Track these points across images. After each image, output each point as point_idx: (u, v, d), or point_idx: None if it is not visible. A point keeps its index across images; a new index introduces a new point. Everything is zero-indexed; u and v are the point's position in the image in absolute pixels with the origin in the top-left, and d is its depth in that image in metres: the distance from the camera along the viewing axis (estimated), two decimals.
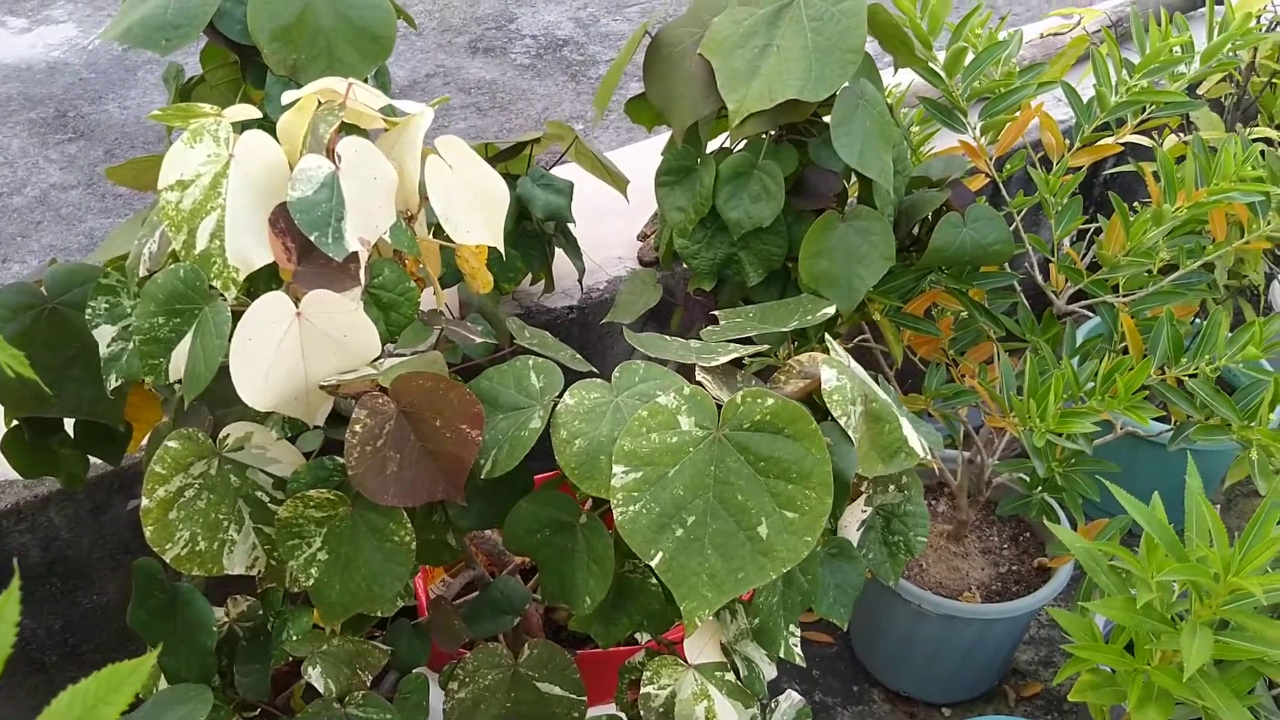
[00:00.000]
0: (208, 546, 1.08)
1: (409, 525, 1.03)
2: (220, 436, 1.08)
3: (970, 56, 1.54)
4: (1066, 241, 1.60)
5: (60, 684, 1.59)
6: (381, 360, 1.06)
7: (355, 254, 1.03)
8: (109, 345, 1.15)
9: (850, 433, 1.15)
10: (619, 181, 1.78)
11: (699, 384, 1.09)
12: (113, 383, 1.14)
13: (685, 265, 1.47)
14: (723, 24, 1.34)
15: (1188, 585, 1.22)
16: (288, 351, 1.01)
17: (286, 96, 1.09)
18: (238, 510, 1.09)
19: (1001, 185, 1.61)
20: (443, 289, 1.64)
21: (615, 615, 1.14)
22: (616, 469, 1.00)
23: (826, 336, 1.22)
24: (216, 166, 1.02)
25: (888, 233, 1.37)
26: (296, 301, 1.01)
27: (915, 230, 1.51)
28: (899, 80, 1.85)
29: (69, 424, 1.32)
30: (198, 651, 1.12)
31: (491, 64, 4.61)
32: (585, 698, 1.23)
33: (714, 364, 1.12)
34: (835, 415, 1.14)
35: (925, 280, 1.55)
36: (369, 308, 1.10)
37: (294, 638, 1.13)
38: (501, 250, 1.18)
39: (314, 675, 1.11)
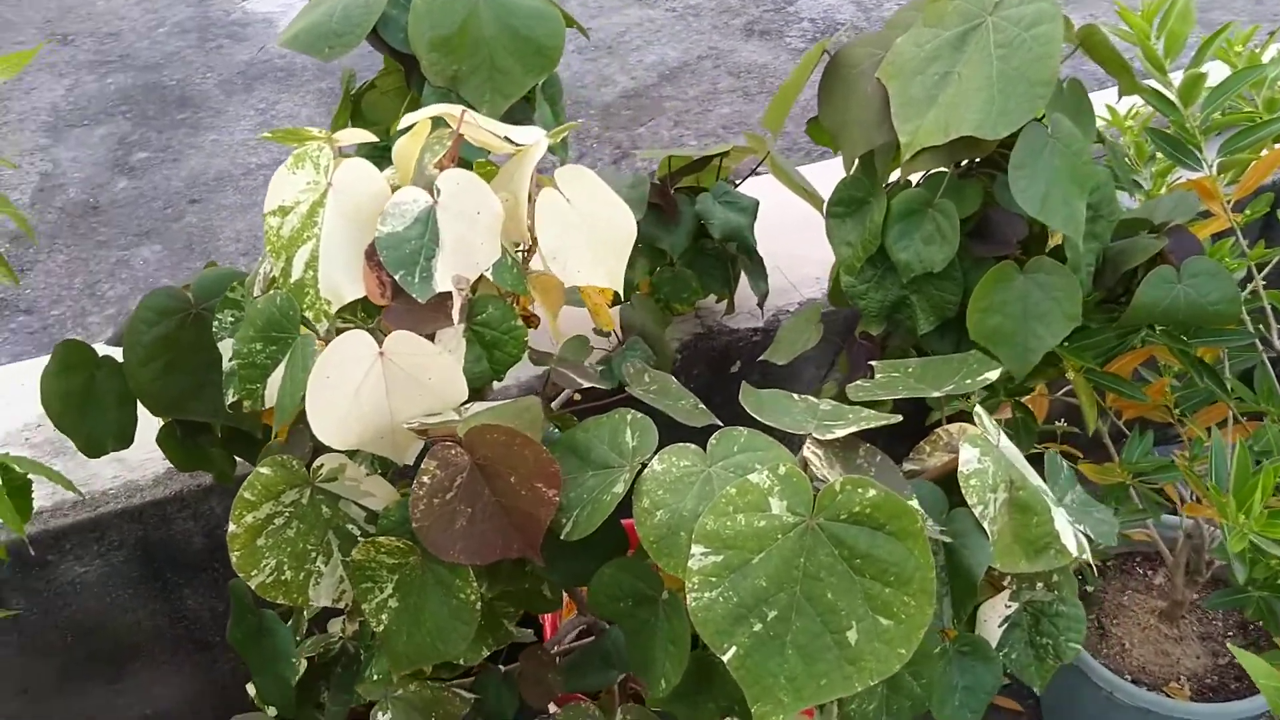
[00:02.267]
0: (294, 576, 1.07)
1: (474, 584, 0.98)
2: (314, 466, 1.07)
3: (1212, 81, 1.32)
4: None
5: (224, 663, 1.66)
6: (469, 405, 1.02)
7: (449, 293, 0.98)
8: (229, 360, 1.16)
9: (986, 524, 1.01)
10: (814, 199, 1.66)
11: (805, 459, 0.98)
12: (230, 397, 1.15)
13: (853, 306, 1.34)
14: (905, 46, 1.21)
15: None
16: (370, 391, 0.98)
17: (405, 120, 1.05)
18: (326, 542, 1.07)
19: (1239, 232, 1.38)
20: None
21: (700, 699, 1.05)
22: (695, 549, 0.91)
23: (978, 408, 1.07)
24: (315, 195, 0.99)
25: (1074, 289, 1.19)
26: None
27: (1122, 281, 1.32)
28: (1135, 103, 1.63)
29: None
30: (277, 681, 1.12)
31: (765, 47, 4.52)
32: None
33: (828, 437, 1.00)
34: (970, 503, 1.00)
35: (1133, 338, 1.36)
36: (471, 345, 1.06)
37: (375, 677, 1.11)
38: (620, 292, 1.10)
39: None
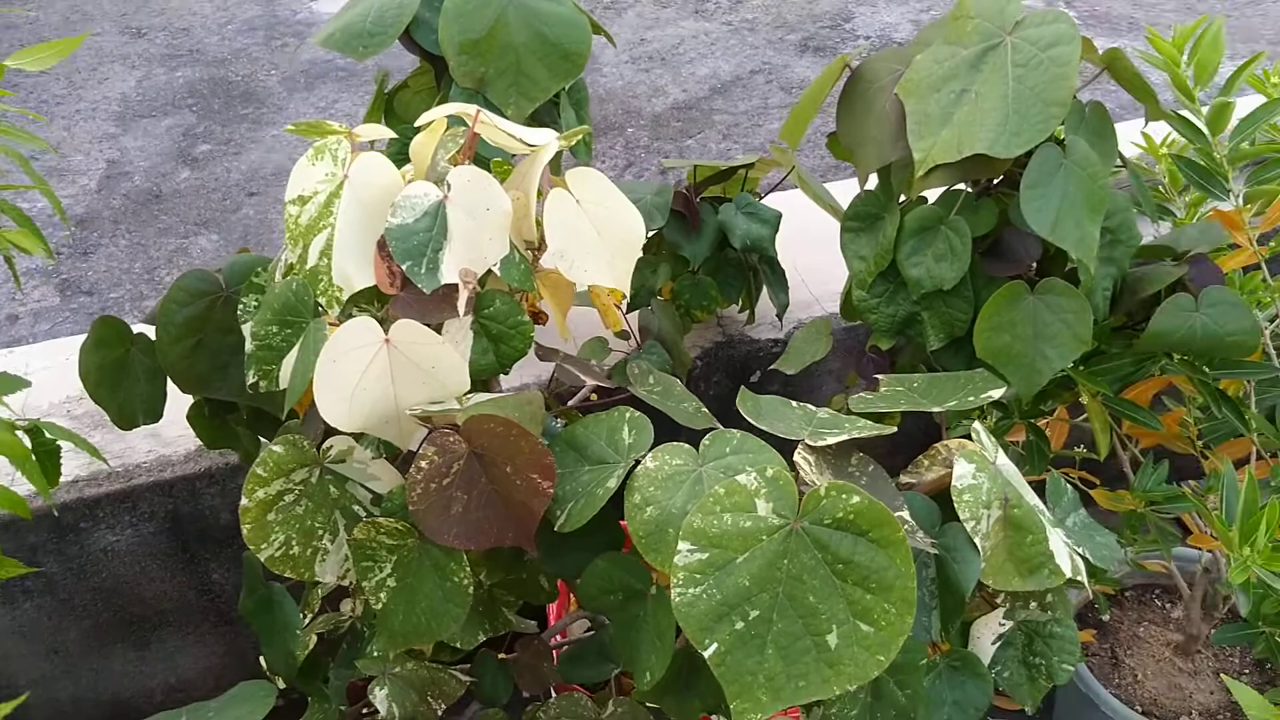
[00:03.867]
0: (301, 552, 1.10)
1: (467, 568, 1.01)
2: (324, 447, 1.10)
3: (1242, 109, 1.32)
4: None
5: (246, 636, 1.70)
6: (471, 395, 1.04)
7: (456, 285, 1.01)
8: (250, 341, 1.20)
9: (978, 539, 1.01)
10: (839, 213, 1.66)
11: (795, 464, 0.99)
12: (250, 377, 1.19)
13: (864, 320, 1.35)
14: (924, 63, 1.22)
15: None
16: (375, 377, 1.01)
17: (422, 119, 1.08)
18: (334, 521, 1.11)
19: (1264, 264, 1.37)
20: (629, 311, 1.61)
21: (686, 695, 1.07)
22: (682, 546, 0.93)
23: (976, 425, 1.08)
24: (332, 186, 1.03)
25: (1085, 312, 1.20)
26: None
27: (1141, 308, 1.31)
28: (1171, 131, 1.62)
29: None
30: (284, 652, 1.15)
31: (819, 64, 4.53)
32: None
33: (821, 444, 1.02)
34: (962, 518, 1.01)
35: (1151, 365, 1.35)
36: (478, 338, 1.08)
37: (375, 653, 1.14)
38: (627, 293, 1.13)
39: (378, 696, 1.11)
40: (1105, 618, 1.71)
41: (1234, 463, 1.48)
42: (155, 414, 1.35)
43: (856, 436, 1.03)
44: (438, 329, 1.04)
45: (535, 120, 1.48)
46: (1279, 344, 1.42)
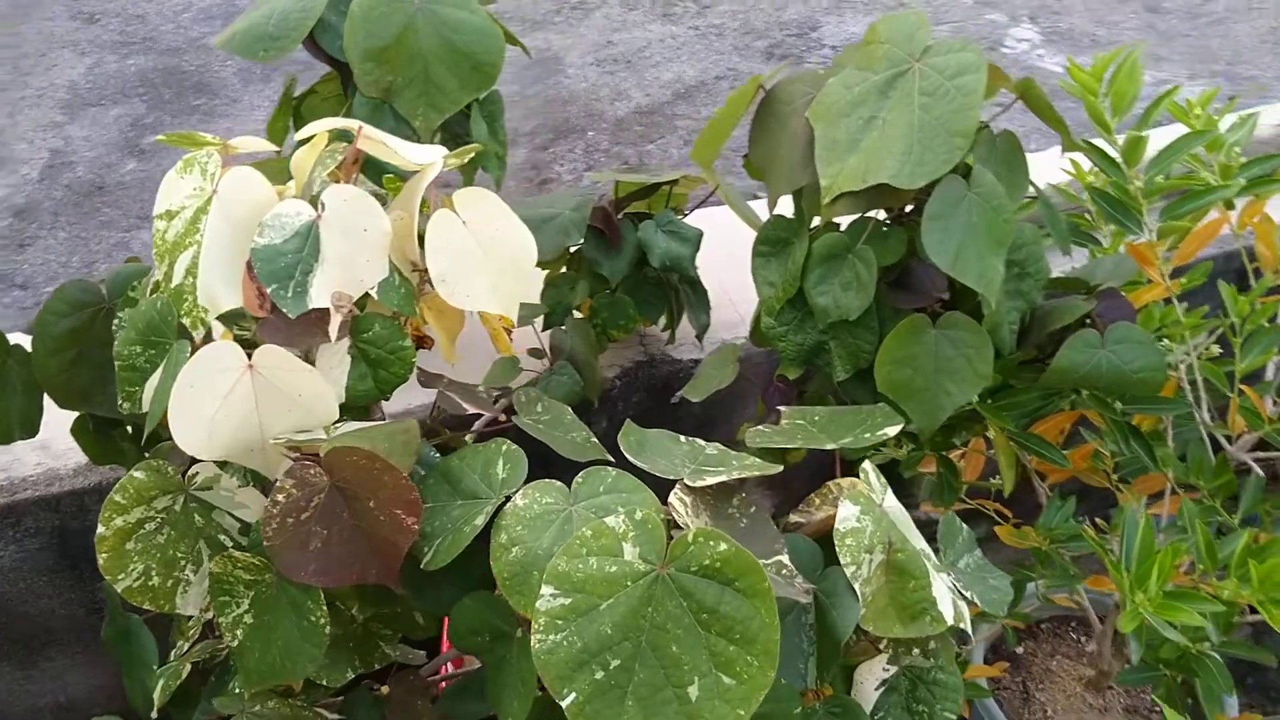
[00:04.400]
0: (161, 583, 1.05)
1: (324, 607, 0.97)
2: (190, 473, 1.06)
3: (1154, 144, 1.29)
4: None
5: None
6: (341, 424, 1.00)
7: (328, 310, 0.97)
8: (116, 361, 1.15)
9: (858, 585, 0.98)
10: None
11: (669, 506, 0.96)
12: (119, 399, 1.14)
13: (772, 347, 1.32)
14: (834, 87, 1.19)
15: None
16: (237, 404, 0.96)
17: (302, 132, 1.04)
18: (197, 550, 1.06)
19: (1175, 300, 1.34)
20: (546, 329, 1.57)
21: None
22: (545, 590, 0.89)
23: (866, 463, 1.05)
24: (199, 201, 0.98)
25: (985, 346, 1.17)
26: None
27: (1050, 342, 1.29)
28: None
29: None
30: (139, 685, 1.11)
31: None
32: None
33: (699, 484, 0.98)
34: (844, 563, 0.98)
35: (1059, 400, 1.33)
36: (356, 363, 1.04)
37: (235, 690, 1.09)
38: (514, 320, 1.09)
39: None
40: (1018, 650, 1.68)
41: (1149, 497, 1.46)
42: (32, 429, 1.30)
43: (739, 477, 1.00)
44: (309, 354, 1.00)
45: (446, 132, 1.44)
46: (1193, 378, 1.40)
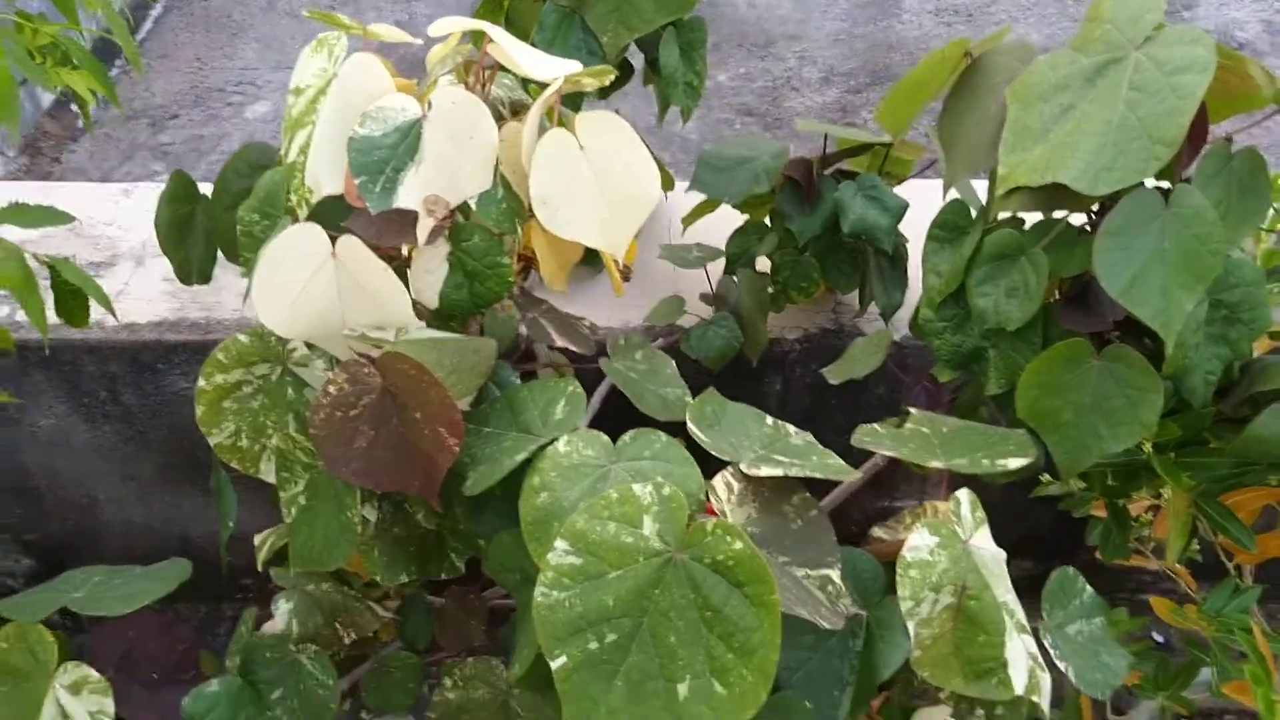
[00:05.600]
0: (249, 446, 1.08)
1: (359, 506, 0.96)
2: (290, 346, 1.07)
3: None
4: None
5: None
6: (425, 331, 0.98)
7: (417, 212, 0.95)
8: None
9: (911, 623, 0.87)
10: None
11: (709, 487, 0.88)
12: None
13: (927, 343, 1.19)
14: (1041, 67, 1.03)
15: None
16: (320, 290, 0.96)
17: (439, 28, 1.01)
18: (285, 422, 1.08)
19: None
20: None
21: (548, 697, 0.99)
22: (559, 544, 0.84)
23: (963, 491, 0.93)
24: (321, 82, 0.98)
25: (1155, 393, 0.99)
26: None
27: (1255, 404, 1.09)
28: None
29: None
30: (217, 538, 1.15)
31: None
32: None
33: (754, 472, 0.89)
34: (900, 594, 0.87)
35: (1261, 472, 1.13)
36: (454, 271, 1.02)
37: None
38: (620, 259, 1.02)
39: (281, 608, 1.09)
40: None
41: None
42: (206, 276, 1.37)
43: (802, 475, 0.90)
44: (397, 253, 0.99)
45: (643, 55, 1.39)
46: None
